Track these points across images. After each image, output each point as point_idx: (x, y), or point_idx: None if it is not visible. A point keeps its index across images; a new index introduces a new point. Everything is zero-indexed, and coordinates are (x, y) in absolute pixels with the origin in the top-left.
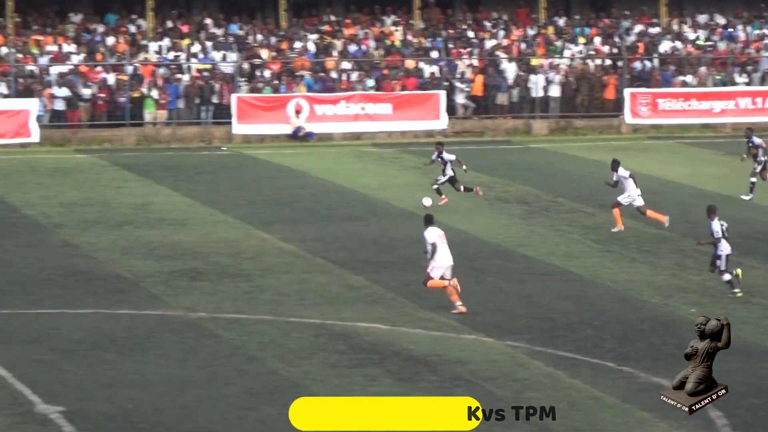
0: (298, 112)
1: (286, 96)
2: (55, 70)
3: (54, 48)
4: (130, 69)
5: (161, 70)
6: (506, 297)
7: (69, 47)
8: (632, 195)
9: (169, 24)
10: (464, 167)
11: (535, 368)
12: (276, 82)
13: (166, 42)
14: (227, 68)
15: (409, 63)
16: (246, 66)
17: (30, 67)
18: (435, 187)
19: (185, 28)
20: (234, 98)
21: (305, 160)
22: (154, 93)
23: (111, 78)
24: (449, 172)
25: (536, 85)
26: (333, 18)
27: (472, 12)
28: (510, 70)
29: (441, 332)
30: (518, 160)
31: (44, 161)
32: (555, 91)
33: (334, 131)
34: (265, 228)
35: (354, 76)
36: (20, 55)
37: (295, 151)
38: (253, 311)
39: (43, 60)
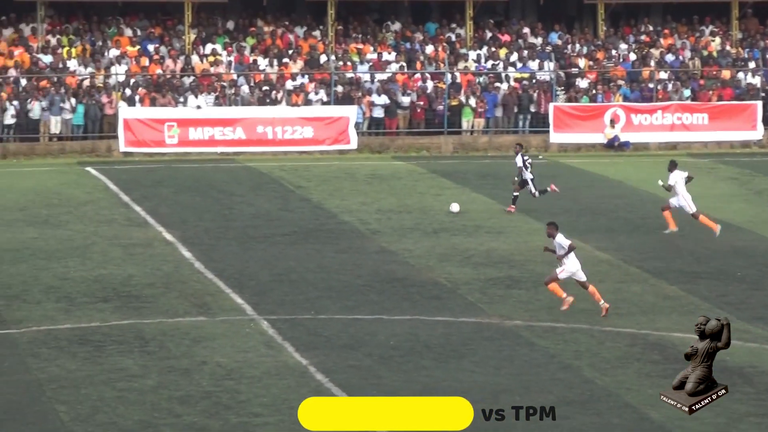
0: (613, 121)
1: (603, 105)
2: (375, 77)
3: (373, 56)
4: (448, 77)
5: (480, 79)
6: None
7: (388, 55)
8: (682, 199)
9: (488, 33)
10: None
11: None
12: (593, 91)
13: (484, 51)
14: (544, 77)
15: (726, 73)
16: (563, 75)
17: (349, 75)
18: (535, 193)
19: (504, 38)
20: (551, 107)
21: (621, 169)
22: (472, 101)
23: (429, 86)
24: (527, 176)
25: None
26: (651, 28)
27: None
28: None
29: (757, 344)
30: None
31: (362, 168)
32: None
33: (650, 141)
34: (581, 237)
35: (670, 86)
36: (340, 63)
37: (611, 161)
38: (569, 320)
39: (362, 68)
